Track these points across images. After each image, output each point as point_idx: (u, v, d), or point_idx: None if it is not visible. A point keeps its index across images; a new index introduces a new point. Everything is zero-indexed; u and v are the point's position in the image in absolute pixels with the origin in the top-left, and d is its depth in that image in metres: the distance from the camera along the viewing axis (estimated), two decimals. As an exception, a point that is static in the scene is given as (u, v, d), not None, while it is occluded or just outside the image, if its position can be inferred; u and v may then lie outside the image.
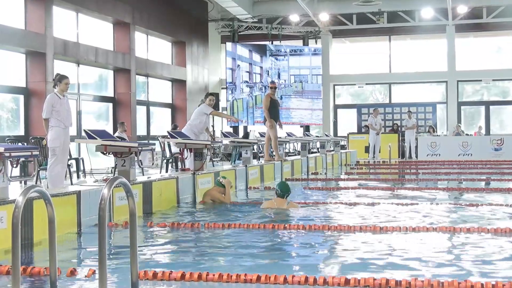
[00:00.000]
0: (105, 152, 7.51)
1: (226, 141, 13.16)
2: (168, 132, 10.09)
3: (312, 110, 24.17)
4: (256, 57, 23.35)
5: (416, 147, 20.46)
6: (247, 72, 23.03)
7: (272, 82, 14.07)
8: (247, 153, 11.42)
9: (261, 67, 23.43)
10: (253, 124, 22.79)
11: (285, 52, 23.97)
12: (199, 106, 11.18)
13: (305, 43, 24.30)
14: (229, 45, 22.65)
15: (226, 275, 3.99)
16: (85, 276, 4.14)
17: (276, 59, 23.76)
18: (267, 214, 7.17)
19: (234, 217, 7.02)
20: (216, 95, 19.86)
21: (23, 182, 9.61)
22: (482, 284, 3.72)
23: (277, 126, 12.39)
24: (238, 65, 22.66)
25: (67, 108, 8.24)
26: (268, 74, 23.45)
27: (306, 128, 23.43)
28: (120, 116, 17.12)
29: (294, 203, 7.66)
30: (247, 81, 22.89)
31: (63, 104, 8.16)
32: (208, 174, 9.18)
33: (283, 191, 7.32)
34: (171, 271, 4.08)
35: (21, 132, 13.54)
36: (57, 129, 8.07)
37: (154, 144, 9.24)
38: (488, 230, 5.76)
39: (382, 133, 20.07)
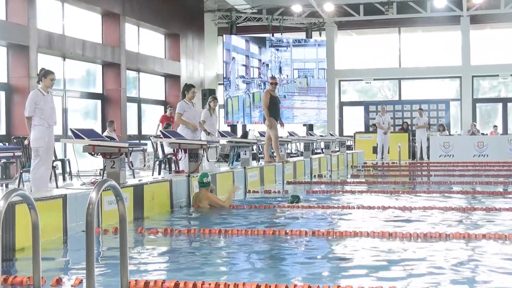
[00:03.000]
0: (93, 153, 7.53)
1: (223, 141, 13.16)
2: (160, 131, 10.11)
3: (319, 109, 23.85)
4: (254, 48, 22.82)
5: (428, 147, 20.47)
6: (244, 65, 22.58)
7: (272, 77, 14.09)
8: (246, 154, 11.43)
9: (260, 60, 23.06)
10: (250, 124, 22.60)
11: (288, 43, 23.63)
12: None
13: (309, 36, 24.23)
14: (224, 35, 22.50)
15: (223, 284, 4.00)
16: (72, 286, 4.15)
17: (277, 50, 23.30)
18: (267, 219, 7.21)
19: (231, 222, 7.04)
20: (213, 92, 19.88)
21: (4, 185, 9.63)
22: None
23: (278, 125, 12.40)
24: (233, 58, 22.19)
25: (51, 106, 8.24)
26: (268, 68, 23.12)
27: (310, 127, 23.35)
28: (109, 114, 17.14)
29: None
30: (243, 76, 22.47)
31: (47, 101, 8.17)
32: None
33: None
34: (164, 280, 4.10)
35: (2, 131, 13.56)
36: (41, 128, 8.08)
37: (145, 144, 9.27)
38: (506, 237, 5.77)
39: (391, 132, 20.07)
